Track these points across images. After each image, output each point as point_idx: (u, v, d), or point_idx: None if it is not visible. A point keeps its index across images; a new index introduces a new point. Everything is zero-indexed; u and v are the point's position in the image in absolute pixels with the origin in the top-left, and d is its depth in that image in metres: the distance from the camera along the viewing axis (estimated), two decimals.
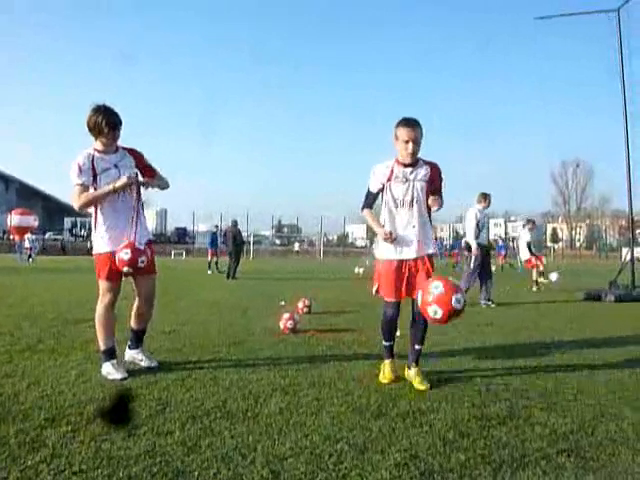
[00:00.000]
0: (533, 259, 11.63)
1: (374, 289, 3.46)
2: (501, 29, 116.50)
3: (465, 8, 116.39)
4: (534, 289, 11.28)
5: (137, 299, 3.69)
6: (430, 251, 3.37)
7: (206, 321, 6.02)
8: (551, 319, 6.74)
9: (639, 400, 3.05)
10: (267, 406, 2.84)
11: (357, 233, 71.88)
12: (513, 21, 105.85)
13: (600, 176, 78.76)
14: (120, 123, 3.49)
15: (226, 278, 14.04)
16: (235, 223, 15.26)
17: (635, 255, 10.30)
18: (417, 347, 3.39)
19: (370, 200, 3.50)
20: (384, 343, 3.52)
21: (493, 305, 8.05)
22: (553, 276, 12.32)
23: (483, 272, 8.28)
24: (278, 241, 59.44)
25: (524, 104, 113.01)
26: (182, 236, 56.46)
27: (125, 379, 3.34)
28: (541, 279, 11.73)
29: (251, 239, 39.76)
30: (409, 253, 3.33)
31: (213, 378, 3.41)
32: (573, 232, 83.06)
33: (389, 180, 3.36)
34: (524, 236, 12.02)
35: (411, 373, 3.36)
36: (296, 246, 47.65)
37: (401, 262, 3.34)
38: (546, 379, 3.49)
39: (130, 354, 3.77)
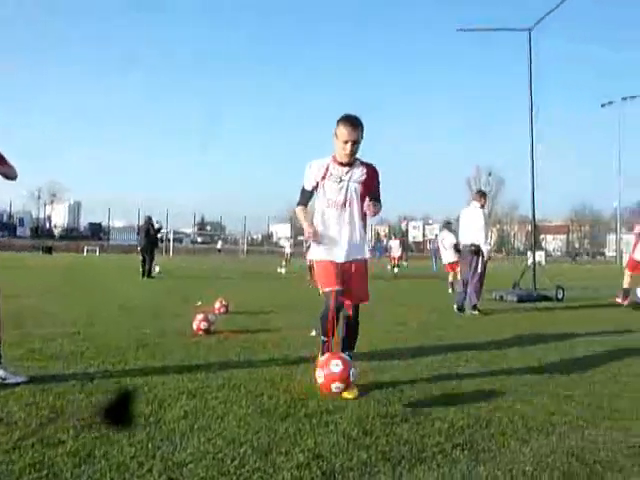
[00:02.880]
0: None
1: (320, 290, 3.33)
2: (420, 40, 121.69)
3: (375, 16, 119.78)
4: (450, 291, 11.71)
5: None
6: (361, 256, 3.27)
7: (115, 322, 5.73)
8: (460, 319, 7.09)
9: (532, 394, 3.27)
10: (171, 411, 2.74)
11: (281, 232, 71.73)
12: (432, 33, 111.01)
13: (510, 184, 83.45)
14: None
15: (141, 277, 13.47)
16: (149, 219, 14.64)
17: (537, 259, 11.09)
18: (347, 353, 3.26)
19: (305, 198, 3.36)
20: (322, 338, 3.37)
21: (477, 313, 7.46)
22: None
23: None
24: (200, 239, 58.05)
25: (446, 112, 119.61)
26: (96, 232, 53.69)
27: None
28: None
29: (171, 236, 38.47)
30: (339, 256, 3.23)
31: (116, 382, 3.25)
32: None
33: (324, 178, 3.24)
34: (451, 238, 11.82)
35: None
36: (219, 244, 46.71)
37: (333, 263, 3.25)
38: (450, 376, 3.66)
39: None
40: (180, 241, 49.98)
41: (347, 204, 3.21)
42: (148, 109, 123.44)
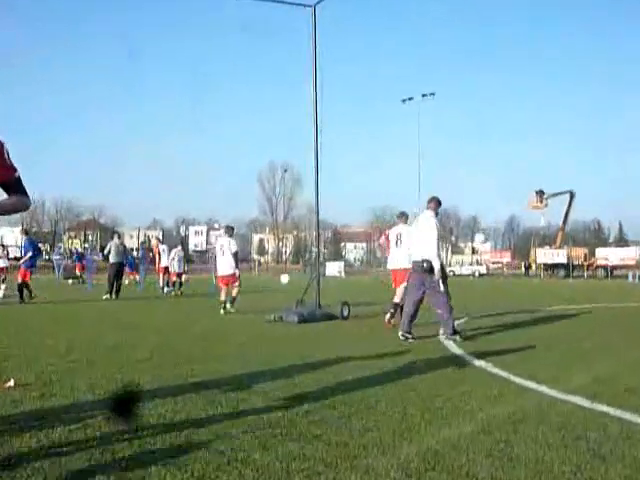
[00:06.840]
0: (236, 273, 9.91)
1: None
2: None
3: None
4: (222, 312, 9.64)
5: None
6: None
7: None
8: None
9: (277, 437, 2.85)
10: None
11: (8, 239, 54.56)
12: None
13: (308, 184, 62.44)
14: None
15: None
16: None
17: (337, 271, 10.64)
18: None
19: None
20: None
21: (459, 339, 6.10)
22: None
23: (416, 299, 6.33)
24: None
25: (234, 100, 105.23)
26: None
27: None
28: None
29: None
30: None
31: None
32: (280, 244, 76.34)
33: None
34: (232, 246, 10.00)
35: None
36: None
37: None
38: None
39: None
40: None
41: None
42: None
